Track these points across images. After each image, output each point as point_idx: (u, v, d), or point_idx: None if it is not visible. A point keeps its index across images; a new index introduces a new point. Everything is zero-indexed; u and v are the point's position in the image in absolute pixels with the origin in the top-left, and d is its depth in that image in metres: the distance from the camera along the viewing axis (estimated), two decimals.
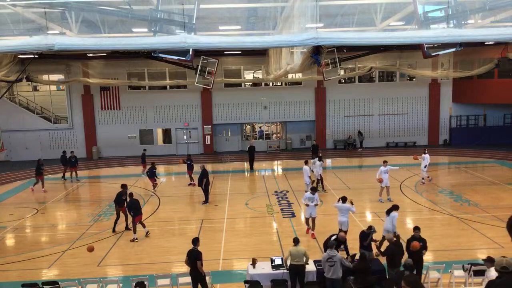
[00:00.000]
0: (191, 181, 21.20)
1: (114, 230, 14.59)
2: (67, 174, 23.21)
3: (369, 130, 30.90)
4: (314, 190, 13.73)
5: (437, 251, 12.27)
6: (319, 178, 18.91)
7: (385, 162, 17.57)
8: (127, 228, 14.64)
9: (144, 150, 24.44)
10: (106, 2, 12.95)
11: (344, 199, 12.71)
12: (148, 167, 20.71)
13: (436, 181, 21.15)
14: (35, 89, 30.29)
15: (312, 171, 18.89)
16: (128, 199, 14.28)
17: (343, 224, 12.63)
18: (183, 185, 21.27)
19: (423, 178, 20.06)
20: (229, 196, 19.07)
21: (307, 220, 13.92)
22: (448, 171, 24.45)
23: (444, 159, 27.12)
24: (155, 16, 11.89)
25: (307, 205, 13.62)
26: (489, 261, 8.59)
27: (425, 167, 19.67)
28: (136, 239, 13.78)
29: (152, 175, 20.00)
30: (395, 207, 11.98)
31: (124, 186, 14.83)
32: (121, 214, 14.64)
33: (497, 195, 17.91)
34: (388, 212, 11.89)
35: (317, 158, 19.17)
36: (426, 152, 20.05)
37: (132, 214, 13.82)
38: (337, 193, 18.87)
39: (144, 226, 14.16)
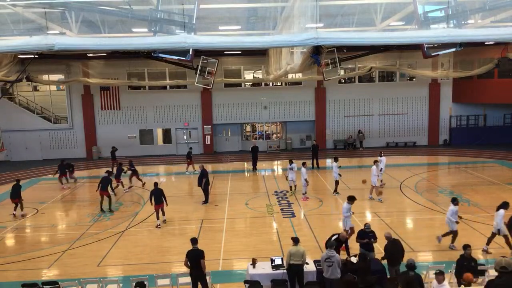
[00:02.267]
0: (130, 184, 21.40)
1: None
2: (95, 174, 23.61)
3: (369, 130, 30.90)
4: (352, 199, 12.79)
5: (437, 251, 12.29)
6: (338, 180, 18.61)
7: (375, 162, 17.77)
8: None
9: (190, 148, 24.54)
10: (106, 2, 12.94)
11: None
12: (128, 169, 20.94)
13: (436, 181, 21.16)
14: (35, 89, 30.29)
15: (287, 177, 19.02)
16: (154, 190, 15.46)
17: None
18: (183, 185, 21.29)
19: (381, 181, 19.66)
20: (229, 196, 19.07)
21: (347, 232, 12.30)
22: (448, 171, 24.46)
23: (444, 159, 27.13)
24: (155, 16, 11.88)
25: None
26: (441, 274, 8.21)
27: (380, 170, 19.23)
28: (159, 225, 15.13)
29: (118, 176, 20.07)
30: (503, 205, 11.92)
31: (156, 184, 15.77)
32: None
33: (497, 195, 17.89)
34: (498, 209, 11.93)
35: (333, 159, 19.01)
36: (382, 155, 19.85)
37: (154, 201, 15.13)
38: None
39: (163, 214, 15.39)
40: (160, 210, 15.22)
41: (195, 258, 9.41)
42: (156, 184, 15.67)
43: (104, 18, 14.72)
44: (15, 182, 17.59)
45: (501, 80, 27.96)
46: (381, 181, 19.57)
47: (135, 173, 21.32)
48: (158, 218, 15.23)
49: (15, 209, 16.98)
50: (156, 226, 15.10)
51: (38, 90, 30.39)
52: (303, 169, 18.12)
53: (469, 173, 22.69)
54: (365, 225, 10.92)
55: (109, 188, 17.25)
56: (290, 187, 19.09)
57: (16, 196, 16.98)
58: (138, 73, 29.37)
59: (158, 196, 15.12)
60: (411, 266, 8.52)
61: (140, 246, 13.42)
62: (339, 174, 18.56)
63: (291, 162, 18.93)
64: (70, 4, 12.64)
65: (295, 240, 9.92)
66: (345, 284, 8.30)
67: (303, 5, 12.18)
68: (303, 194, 18.25)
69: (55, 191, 20.73)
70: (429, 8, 12.40)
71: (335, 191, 18.66)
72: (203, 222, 15.62)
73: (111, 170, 19.28)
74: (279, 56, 20.12)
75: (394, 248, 9.98)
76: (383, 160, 19.53)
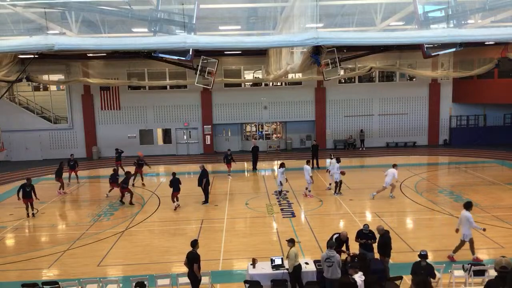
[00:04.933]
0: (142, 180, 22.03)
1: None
2: (95, 173, 24.00)
3: (369, 130, 30.91)
4: (470, 206, 11.63)
5: (437, 251, 12.28)
6: (338, 181, 18.41)
7: (394, 165, 17.66)
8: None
9: (229, 150, 23.81)
10: (106, 2, 12.94)
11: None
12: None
13: (436, 181, 21.16)
14: (35, 89, 30.29)
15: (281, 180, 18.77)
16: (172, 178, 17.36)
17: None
18: (183, 185, 21.23)
19: (330, 184, 19.55)
20: (229, 196, 19.07)
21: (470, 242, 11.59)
22: (448, 171, 24.45)
23: (444, 159, 27.13)
24: (155, 16, 11.88)
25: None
26: (353, 267, 8.46)
27: (329, 172, 19.10)
28: (177, 206, 17.23)
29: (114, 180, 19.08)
30: None
31: (174, 174, 17.56)
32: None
33: (497, 195, 17.91)
34: None
35: (335, 160, 18.64)
36: (332, 157, 19.51)
37: (172, 189, 17.09)
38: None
39: (177, 200, 17.25)
40: (176, 196, 17.14)
41: (190, 261, 9.45)
42: (174, 174, 17.45)
43: (104, 18, 14.73)
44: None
45: (501, 80, 27.96)
46: (330, 184, 19.50)
47: (139, 167, 21.62)
48: (174, 202, 17.20)
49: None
50: (174, 209, 17.06)
51: (38, 90, 30.40)
52: (307, 167, 18.28)
53: (469, 173, 22.68)
54: (363, 226, 10.89)
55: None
56: (280, 191, 18.96)
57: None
58: (138, 73, 29.37)
59: (175, 184, 17.05)
60: (424, 256, 8.93)
61: (140, 246, 13.42)
62: (341, 173, 18.31)
63: (281, 166, 18.74)
64: (70, 4, 12.63)
65: (293, 241, 9.94)
66: (342, 285, 8.31)
67: (303, 5, 12.18)
68: (309, 191, 18.42)
69: (55, 191, 20.70)
70: (429, 8, 12.40)
71: (338, 191, 18.57)
72: (203, 222, 15.62)
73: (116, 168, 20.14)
74: (279, 56, 20.12)
75: (389, 240, 10.28)
76: (334, 162, 19.08)
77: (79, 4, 12.62)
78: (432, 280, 8.79)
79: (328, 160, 19.54)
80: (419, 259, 9.12)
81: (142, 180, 21.95)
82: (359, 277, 8.35)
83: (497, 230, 13.60)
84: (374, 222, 14.07)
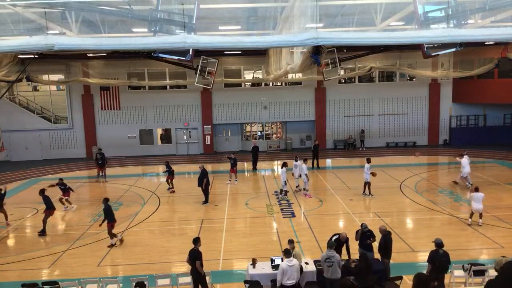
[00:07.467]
0: (170, 186, 20.38)
1: None
2: (95, 173, 23.81)
3: (369, 130, 30.91)
4: None
5: None
6: (369, 181, 18.01)
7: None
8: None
9: (232, 153, 22.23)
10: (106, 2, 12.95)
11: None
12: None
13: (436, 181, 21.16)
14: (35, 89, 30.29)
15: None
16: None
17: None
18: (183, 185, 21.27)
19: (299, 187, 19.24)
20: (229, 196, 19.07)
21: None
22: (448, 171, 24.41)
23: (444, 159, 27.11)
24: (155, 16, 11.90)
25: None
26: (286, 253, 9.00)
27: (299, 176, 18.83)
28: (117, 242, 13.53)
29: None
30: None
31: (105, 200, 13.45)
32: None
33: (497, 195, 17.90)
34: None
35: (366, 160, 18.30)
36: (298, 159, 19.31)
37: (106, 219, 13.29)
38: (337, 192, 18.87)
39: (115, 236, 13.59)
40: (112, 228, 13.41)
41: (192, 259, 9.49)
42: (106, 200, 13.35)
43: (104, 18, 14.74)
44: None
45: (501, 80, 27.96)
46: (297, 186, 19.24)
47: (171, 174, 20.22)
48: (112, 238, 13.42)
49: None
50: (112, 245, 13.37)
51: (38, 90, 30.40)
52: (304, 166, 18.36)
53: None
54: (361, 225, 10.89)
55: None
56: (282, 190, 18.89)
57: None
58: (138, 73, 29.35)
59: (109, 213, 13.18)
60: (440, 244, 9.12)
61: (140, 246, 13.42)
62: (371, 173, 17.86)
63: (284, 165, 18.80)
64: (70, 4, 12.64)
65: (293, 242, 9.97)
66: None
67: (303, 5, 12.18)
68: (306, 190, 18.47)
69: (55, 191, 20.66)
70: (429, 8, 12.41)
71: (364, 192, 18.26)
72: (203, 222, 15.62)
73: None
74: (279, 56, 20.12)
75: (390, 241, 10.25)
76: (298, 164, 18.92)
77: (79, 4, 12.62)
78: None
79: (295, 163, 19.19)
80: (432, 250, 9.27)
81: (172, 187, 20.36)
82: (287, 262, 8.73)
83: (497, 230, 13.61)
84: (374, 222, 14.06)
